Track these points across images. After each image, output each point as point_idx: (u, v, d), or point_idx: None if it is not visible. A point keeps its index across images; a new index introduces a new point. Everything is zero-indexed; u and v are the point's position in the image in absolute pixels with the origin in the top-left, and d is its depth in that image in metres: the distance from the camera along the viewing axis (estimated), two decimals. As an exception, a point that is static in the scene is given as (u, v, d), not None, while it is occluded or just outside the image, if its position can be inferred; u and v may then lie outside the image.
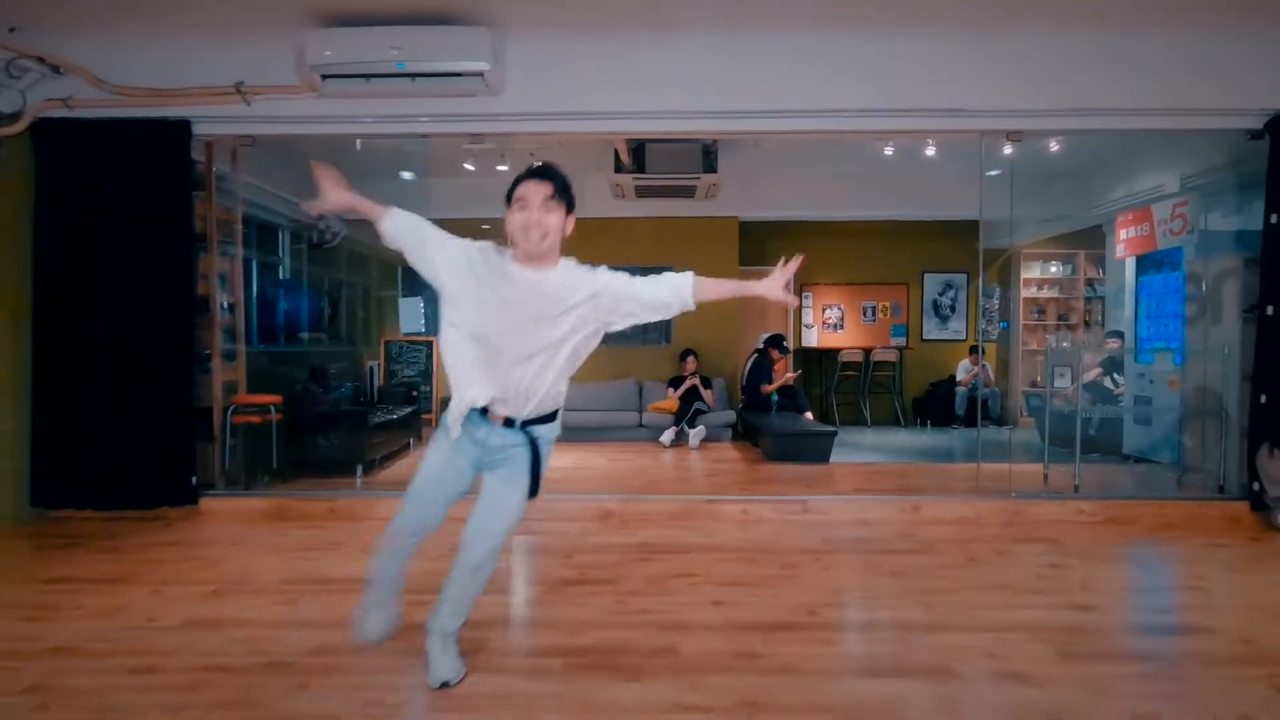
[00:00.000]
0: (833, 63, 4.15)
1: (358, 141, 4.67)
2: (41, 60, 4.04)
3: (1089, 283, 8.72)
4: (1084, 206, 6.94)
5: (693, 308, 2.07)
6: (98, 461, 4.18)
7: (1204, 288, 5.01)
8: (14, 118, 4.07)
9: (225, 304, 4.77)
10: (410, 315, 7.92)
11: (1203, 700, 2.15)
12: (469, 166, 6.36)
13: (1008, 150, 4.59)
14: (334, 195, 2.07)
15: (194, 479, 4.26)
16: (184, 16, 3.93)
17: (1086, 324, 8.72)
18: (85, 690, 2.17)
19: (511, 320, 1.95)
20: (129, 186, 4.19)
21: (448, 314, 2.03)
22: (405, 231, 2.09)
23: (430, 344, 7.72)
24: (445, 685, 2.14)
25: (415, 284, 8.24)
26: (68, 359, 4.19)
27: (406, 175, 6.67)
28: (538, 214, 1.93)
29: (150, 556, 3.49)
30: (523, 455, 2.06)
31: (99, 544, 3.69)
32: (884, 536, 3.88)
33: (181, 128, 4.20)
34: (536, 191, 1.94)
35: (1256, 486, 4.13)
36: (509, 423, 2.04)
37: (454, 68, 3.90)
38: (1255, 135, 4.19)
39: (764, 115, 4.22)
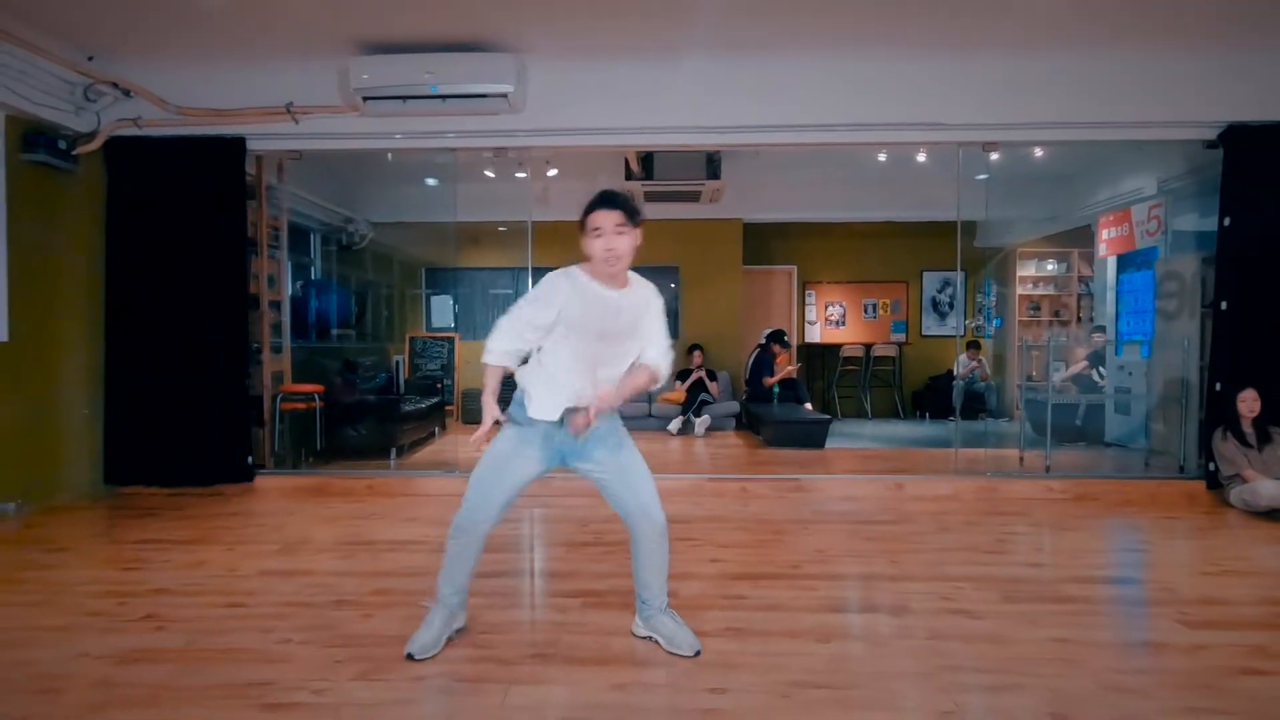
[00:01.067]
0: (823, 82, 4.58)
1: (389, 154, 5.15)
2: (115, 85, 4.54)
3: (1082, 280, 9.06)
4: (1070, 208, 7.31)
5: (660, 381, 2.37)
6: (164, 443, 4.68)
7: (1175, 285, 5.39)
8: (90, 136, 4.57)
9: (277, 300, 5.26)
10: (441, 312, 8.40)
11: (1117, 630, 2.57)
12: (489, 174, 6.82)
13: (994, 156, 4.98)
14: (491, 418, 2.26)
15: (249, 459, 4.75)
16: (240, 45, 4.41)
17: (1079, 320, 9.07)
18: (189, 618, 2.64)
19: (613, 333, 2.20)
20: (190, 197, 4.68)
21: (562, 333, 2.20)
22: (526, 340, 2.23)
23: (452, 340, 8.20)
24: (698, 653, 2.31)
25: (445, 282, 8.73)
26: (137, 351, 4.69)
27: (431, 181, 7.15)
28: (613, 240, 2.13)
29: (219, 524, 3.98)
30: (614, 424, 2.33)
31: (171, 514, 4.19)
32: (867, 510, 4.30)
33: (237, 144, 4.69)
34: (608, 220, 2.13)
35: (1212, 467, 4.51)
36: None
37: (481, 89, 4.36)
38: (1210, 145, 4.57)
39: (761, 130, 4.66)
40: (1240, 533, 3.88)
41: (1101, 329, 7.02)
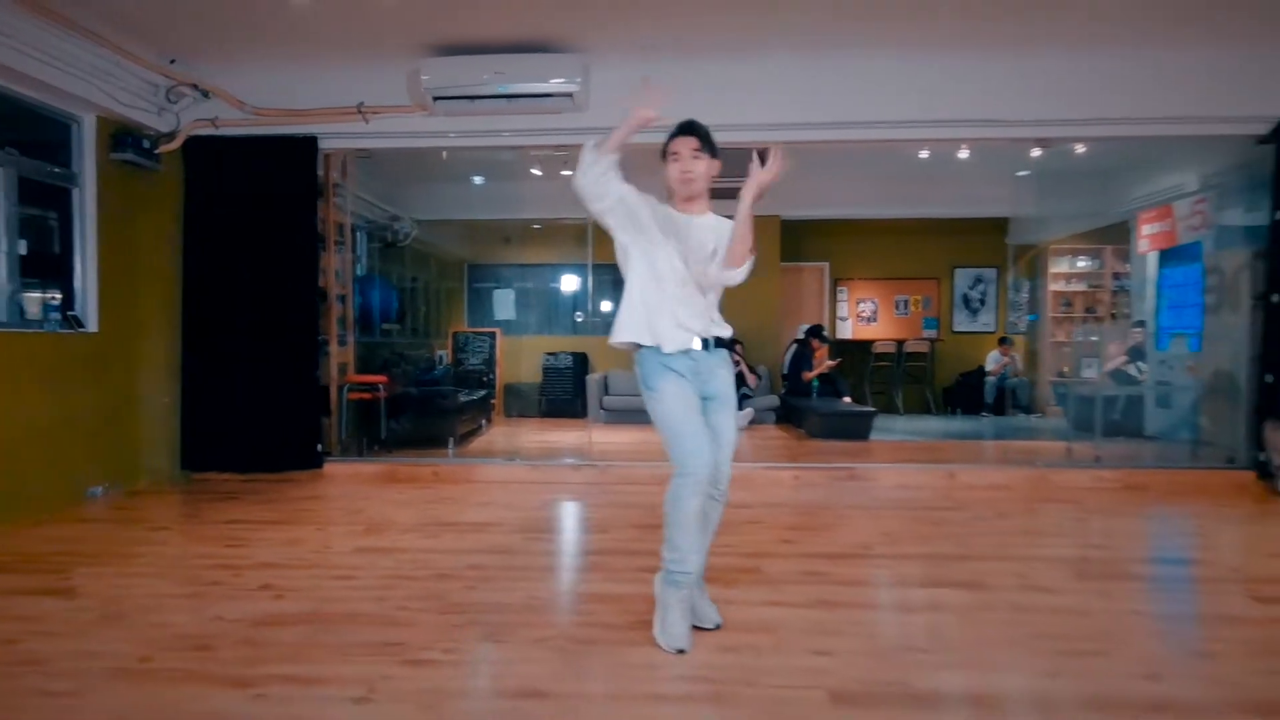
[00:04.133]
0: (877, 80, 4.68)
1: (443, 152, 5.31)
2: (194, 86, 4.73)
3: (1115, 276, 9.10)
4: (1109, 204, 7.36)
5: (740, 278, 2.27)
6: (238, 431, 4.87)
7: (1221, 279, 5.45)
8: (171, 136, 4.76)
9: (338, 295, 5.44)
10: (503, 306, 8.58)
11: (1191, 604, 2.67)
12: (536, 171, 6.97)
13: (1036, 153, 5.07)
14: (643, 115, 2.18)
15: (320, 446, 4.93)
16: (313, 47, 4.58)
17: (1113, 316, 9.10)
18: (305, 588, 2.81)
19: (690, 255, 2.24)
20: (264, 194, 4.87)
21: (641, 258, 2.25)
22: (613, 185, 2.21)
23: (494, 334, 8.38)
24: (719, 625, 2.35)
25: (496, 279, 8.89)
26: (212, 342, 4.88)
27: (478, 180, 7.31)
28: (689, 163, 2.24)
29: (300, 506, 4.16)
30: (726, 376, 2.32)
31: (251, 498, 4.37)
32: (924, 498, 4.41)
33: (310, 143, 4.87)
34: (685, 145, 2.25)
35: (1262, 457, 4.58)
36: (707, 344, 2.27)
37: (546, 89, 4.51)
38: (1262, 140, 4.63)
39: (817, 127, 4.77)
40: (1295, 520, 3.96)
41: (1141, 324, 7.07)
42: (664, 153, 2.32)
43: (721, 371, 2.32)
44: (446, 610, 2.57)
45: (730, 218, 2.26)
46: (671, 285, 2.26)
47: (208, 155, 4.86)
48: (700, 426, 2.22)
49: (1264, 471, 4.61)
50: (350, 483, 4.80)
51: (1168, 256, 6.60)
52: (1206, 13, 4.05)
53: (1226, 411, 5.18)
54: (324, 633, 2.37)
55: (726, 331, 2.35)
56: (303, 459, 4.90)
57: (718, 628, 2.35)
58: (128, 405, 4.62)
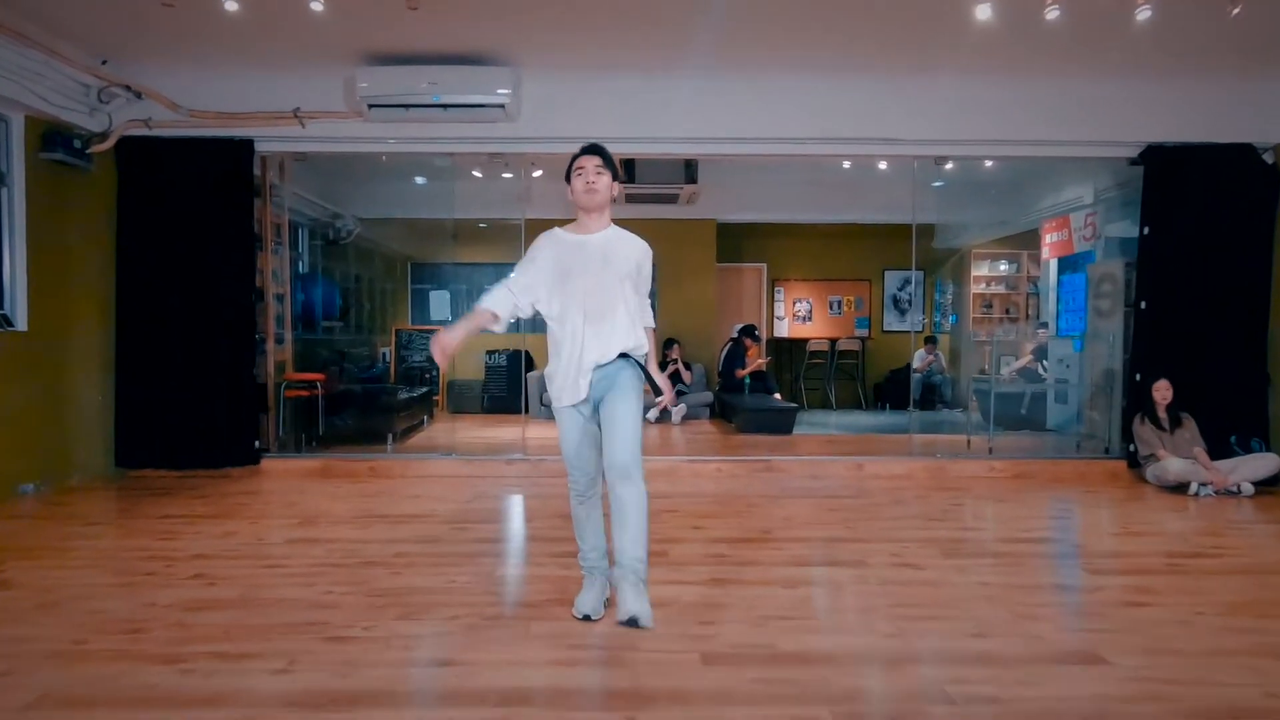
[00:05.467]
0: (793, 100, 5.03)
1: (383, 156, 5.45)
2: (127, 87, 4.78)
3: (1031, 280, 9.72)
4: (1018, 213, 7.92)
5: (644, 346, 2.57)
6: (173, 428, 4.95)
7: (1104, 286, 5.99)
8: (103, 136, 4.80)
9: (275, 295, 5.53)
10: (438, 306, 8.69)
11: (1032, 576, 3.07)
12: (477, 174, 7.13)
13: (948, 166, 5.50)
14: (449, 348, 2.50)
15: (256, 443, 5.05)
16: (250, 52, 4.68)
17: (1028, 317, 9.73)
18: (236, 576, 2.98)
19: (600, 274, 2.47)
20: (200, 195, 4.94)
21: (550, 310, 2.50)
22: (521, 303, 2.52)
23: (436, 332, 8.50)
24: (633, 620, 2.36)
25: (437, 278, 8.99)
26: (147, 341, 4.94)
27: (420, 180, 7.43)
28: (593, 176, 2.48)
29: (236, 501, 4.29)
30: (628, 374, 2.48)
31: (186, 494, 4.48)
32: (830, 487, 4.79)
33: (246, 146, 4.96)
34: (589, 161, 2.49)
35: (1132, 448, 5.10)
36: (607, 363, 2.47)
37: (480, 100, 4.72)
38: (1134, 162, 5.14)
39: (737, 141, 5.10)
40: (1152, 502, 4.45)
41: (1045, 325, 7.64)
42: (568, 171, 2.57)
43: (622, 375, 2.49)
44: (371, 594, 2.78)
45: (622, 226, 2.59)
46: (580, 327, 2.46)
47: (142, 156, 4.91)
48: (581, 448, 2.52)
49: (1133, 461, 5.13)
50: (287, 478, 4.93)
51: (1066, 264, 7.16)
52: (1085, 46, 4.49)
53: (1105, 407, 5.71)
54: (252, 615, 2.56)
55: (634, 345, 2.50)
56: (239, 455, 5.01)
57: (631, 622, 2.34)
58: (59, 403, 4.66)
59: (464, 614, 2.59)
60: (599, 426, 2.51)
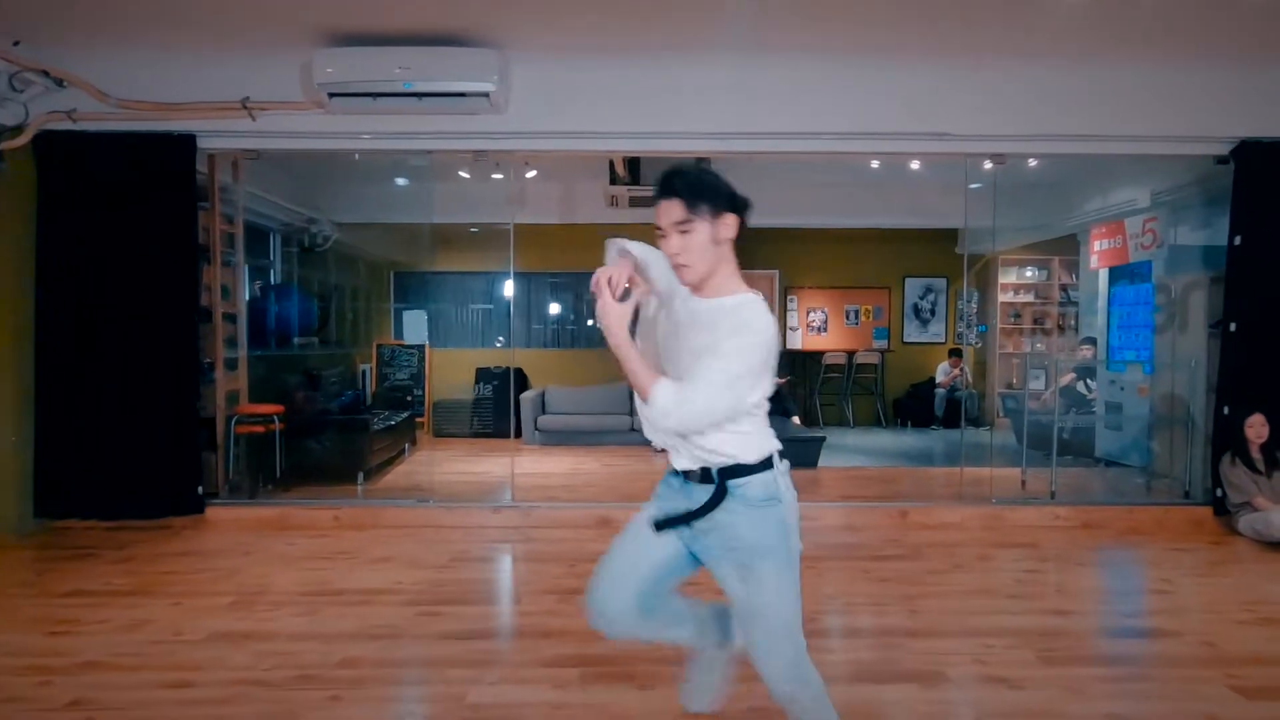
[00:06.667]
0: (824, 88, 4.31)
1: (356, 154, 4.75)
2: (45, 74, 4.06)
3: (1063, 288, 9.02)
4: (1061, 217, 7.20)
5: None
6: (103, 472, 4.23)
7: (1173, 301, 5.27)
8: (17, 130, 4.08)
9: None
10: (413, 327, 7.97)
11: (1170, 701, 2.35)
12: (464, 174, 6.43)
13: (989, 165, 4.78)
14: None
15: (200, 488, 4.33)
16: (190, 33, 3.97)
17: (1060, 329, 9.03)
18: (125, 704, 2.27)
19: (671, 353, 1.67)
20: (134, 199, 4.23)
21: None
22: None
23: (422, 348, 7.79)
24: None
25: (417, 295, 8.28)
26: (72, 370, 4.22)
27: (401, 182, 6.73)
28: (675, 243, 1.59)
29: (164, 567, 3.57)
30: (740, 526, 1.63)
31: (110, 555, 3.76)
32: (872, 542, 4.07)
33: (187, 142, 4.24)
34: (665, 215, 1.59)
35: (1219, 493, 4.38)
36: (697, 475, 1.65)
37: (460, 88, 3.99)
38: (1221, 160, 4.42)
39: (765, 137, 4.37)
40: (1256, 567, 3.74)
41: (1091, 341, 6.92)
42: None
43: (728, 521, 1.62)
44: (293, 739, 2.07)
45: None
46: None
47: (64, 153, 4.19)
48: (620, 558, 1.73)
49: (1220, 508, 4.42)
50: (235, 531, 4.21)
51: (1118, 274, 6.45)
52: (1168, 29, 3.79)
53: (1179, 440, 5.00)
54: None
55: (732, 458, 1.62)
56: (180, 503, 4.29)
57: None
58: (-37, 445, 3.94)
59: (415, 785, 1.88)
60: (674, 564, 1.75)
